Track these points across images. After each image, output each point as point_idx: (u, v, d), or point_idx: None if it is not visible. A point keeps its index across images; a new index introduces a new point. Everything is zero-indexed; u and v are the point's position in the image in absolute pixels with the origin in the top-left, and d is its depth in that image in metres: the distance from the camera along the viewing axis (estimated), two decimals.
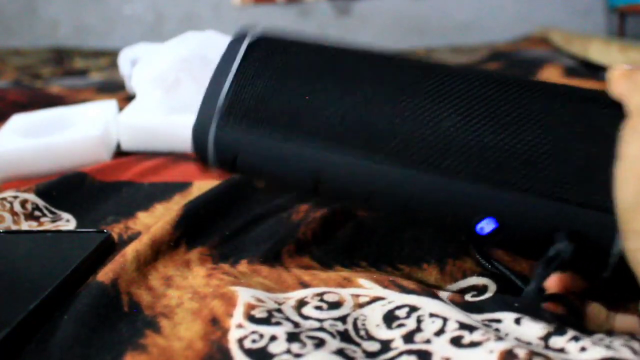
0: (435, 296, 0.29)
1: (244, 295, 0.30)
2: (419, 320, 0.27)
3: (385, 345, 0.26)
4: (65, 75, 1.52)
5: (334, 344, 0.26)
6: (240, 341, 0.26)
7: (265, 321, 0.27)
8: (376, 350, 0.26)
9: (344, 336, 0.27)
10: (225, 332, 0.27)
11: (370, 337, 0.27)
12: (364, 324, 0.28)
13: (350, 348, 0.26)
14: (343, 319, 0.28)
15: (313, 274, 0.33)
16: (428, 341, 0.26)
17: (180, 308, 0.30)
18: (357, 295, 0.30)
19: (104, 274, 0.33)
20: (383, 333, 0.27)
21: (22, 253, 0.38)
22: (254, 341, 0.26)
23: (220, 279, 0.32)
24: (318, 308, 0.29)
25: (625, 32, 2.25)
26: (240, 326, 0.27)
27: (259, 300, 0.30)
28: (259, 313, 0.28)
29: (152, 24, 2.65)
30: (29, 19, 2.70)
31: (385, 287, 0.31)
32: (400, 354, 0.25)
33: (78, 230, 0.43)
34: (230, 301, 0.29)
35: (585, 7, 2.39)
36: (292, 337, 0.26)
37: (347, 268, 0.34)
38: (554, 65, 1.08)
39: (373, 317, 0.28)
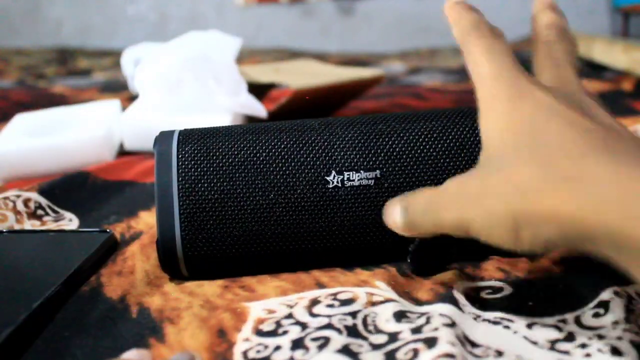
0: (449, 299, 0.29)
1: (255, 310, 0.30)
2: (428, 317, 0.27)
3: (393, 337, 0.26)
4: (68, 75, 1.52)
5: (339, 341, 0.26)
6: (245, 353, 0.26)
7: (272, 333, 0.27)
8: (383, 342, 0.26)
9: (352, 330, 0.27)
10: (231, 345, 0.27)
11: (378, 331, 0.27)
12: (374, 320, 0.28)
13: (356, 343, 0.26)
14: (353, 314, 0.28)
15: (332, 276, 0.33)
16: (436, 329, 0.26)
17: (187, 312, 0.30)
18: (372, 294, 0.30)
19: (112, 290, 0.33)
20: (392, 326, 0.27)
21: (25, 252, 0.38)
22: (258, 352, 0.26)
23: (236, 293, 0.32)
24: (330, 306, 0.29)
25: (629, 32, 2.24)
26: (246, 340, 0.27)
27: (270, 311, 0.30)
28: (267, 326, 0.28)
29: (155, 24, 2.66)
30: (33, 19, 2.70)
31: (401, 296, 0.31)
32: (407, 343, 0.25)
33: (81, 230, 0.43)
34: (240, 317, 0.29)
35: (589, 7, 2.38)
36: (296, 344, 0.26)
37: (368, 270, 0.34)
38: None
39: (384, 314, 0.28)
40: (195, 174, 0.33)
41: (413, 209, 0.28)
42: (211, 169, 0.33)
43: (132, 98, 0.88)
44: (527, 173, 0.22)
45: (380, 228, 0.32)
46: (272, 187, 0.32)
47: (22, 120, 0.67)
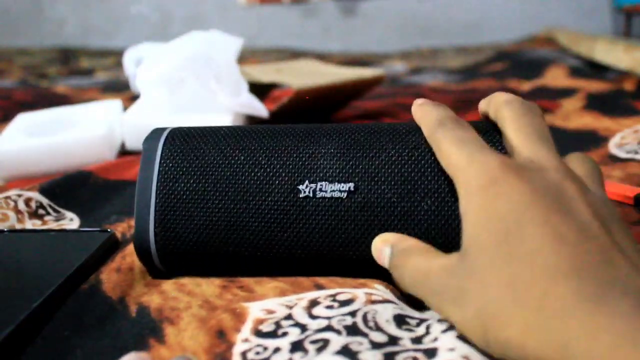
0: None
1: (254, 310, 0.30)
2: (427, 326, 0.27)
3: (393, 341, 0.26)
4: (70, 74, 1.52)
5: (338, 342, 0.26)
6: (244, 354, 0.26)
7: (272, 334, 0.27)
8: (383, 341, 0.26)
9: (352, 329, 0.27)
10: (230, 345, 0.27)
11: (378, 329, 0.27)
12: (374, 317, 0.28)
13: (356, 341, 0.26)
14: (353, 313, 0.28)
15: (330, 278, 0.33)
16: (435, 339, 0.26)
17: (187, 312, 0.30)
18: (371, 294, 0.30)
19: (111, 289, 0.33)
20: (392, 329, 0.27)
21: (26, 252, 0.38)
22: (257, 353, 0.26)
23: (235, 294, 0.32)
24: (329, 307, 0.29)
25: (631, 32, 2.24)
26: (246, 340, 0.27)
27: (269, 311, 0.30)
28: (266, 327, 0.28)
29: (157, 24, 2.66)
30: (36, 19, 2.71)
31: (399, 299, 0.31)
32: (407, 350, 0.25)
33: (81, 229, 0.43)
34: (240, 317, 0.29)
35: (591, 7, 2.38)
36: (295, 347, 0.26)
37: (364, 277, 0.34)
38: (559, 65, 1.07)
39: (384, 313, 0.28)
40: (174, 172, 0.33)
41: (401, 272, 0.28)
42: (189, 168, 0.33)
43: (134, 98, 0.88)
44: (497, 291, 0.22)
45: (349, 242, 0.32)
46: (245, 192, 0.33)
47: (23, 120, 0.67)
